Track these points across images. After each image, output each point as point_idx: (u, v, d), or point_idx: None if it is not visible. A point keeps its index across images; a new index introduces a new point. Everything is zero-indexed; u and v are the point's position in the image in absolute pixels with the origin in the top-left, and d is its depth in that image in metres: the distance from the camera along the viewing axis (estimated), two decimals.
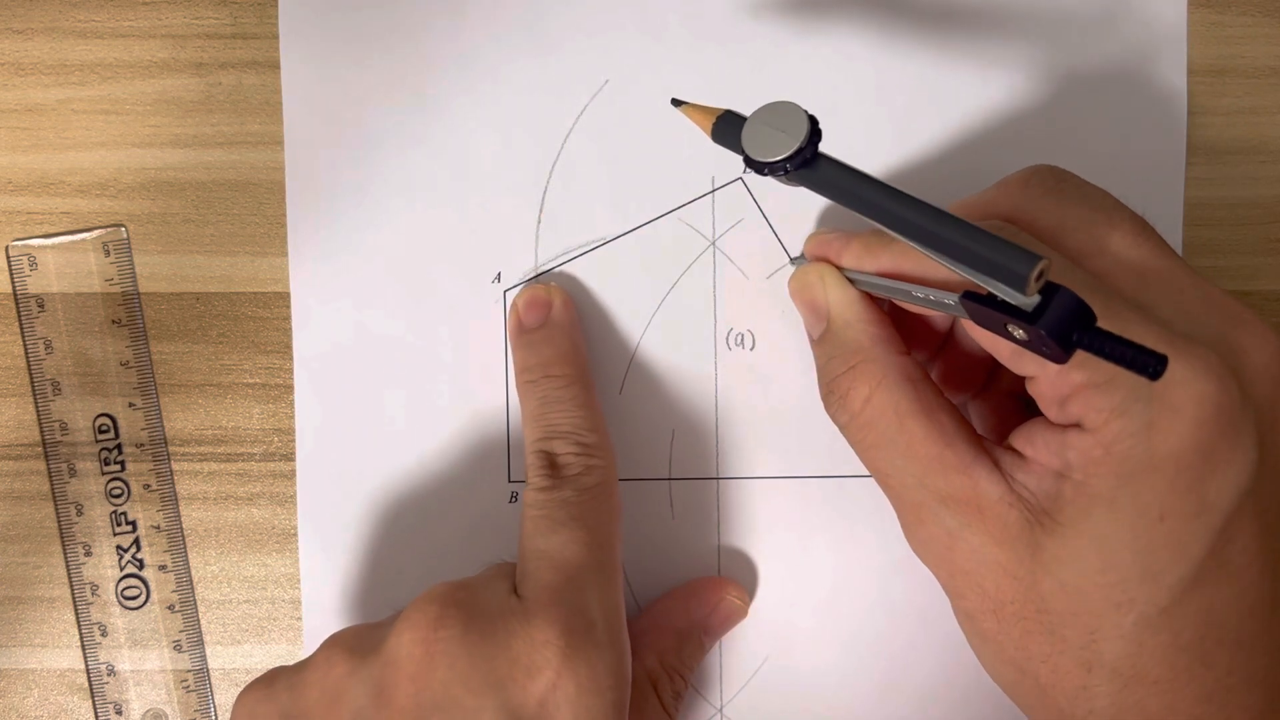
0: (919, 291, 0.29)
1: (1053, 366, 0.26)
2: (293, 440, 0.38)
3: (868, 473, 0.31)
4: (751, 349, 0.38)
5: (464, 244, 0.37)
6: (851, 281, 0.32)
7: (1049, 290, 0.23)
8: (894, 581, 0.38)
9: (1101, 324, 0.23)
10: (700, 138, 0.30)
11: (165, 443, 0.38)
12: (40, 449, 0.38)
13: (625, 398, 0.38)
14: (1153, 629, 0.26)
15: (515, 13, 0.37)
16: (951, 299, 0.27)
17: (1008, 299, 0.24)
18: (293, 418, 0.38)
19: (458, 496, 0.38)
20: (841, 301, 0.31)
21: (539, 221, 0.37)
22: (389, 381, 0.38)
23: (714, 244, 0.37)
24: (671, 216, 0.37)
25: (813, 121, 0.26)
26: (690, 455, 0.38)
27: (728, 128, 0.28)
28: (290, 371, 0.38)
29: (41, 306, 0.37)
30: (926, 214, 0.25)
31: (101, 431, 0.38)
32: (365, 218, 0.37)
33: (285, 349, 0.38)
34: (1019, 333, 0.24)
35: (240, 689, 0.32)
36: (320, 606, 0.38)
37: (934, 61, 0.37)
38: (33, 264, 0.37)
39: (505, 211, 0.37)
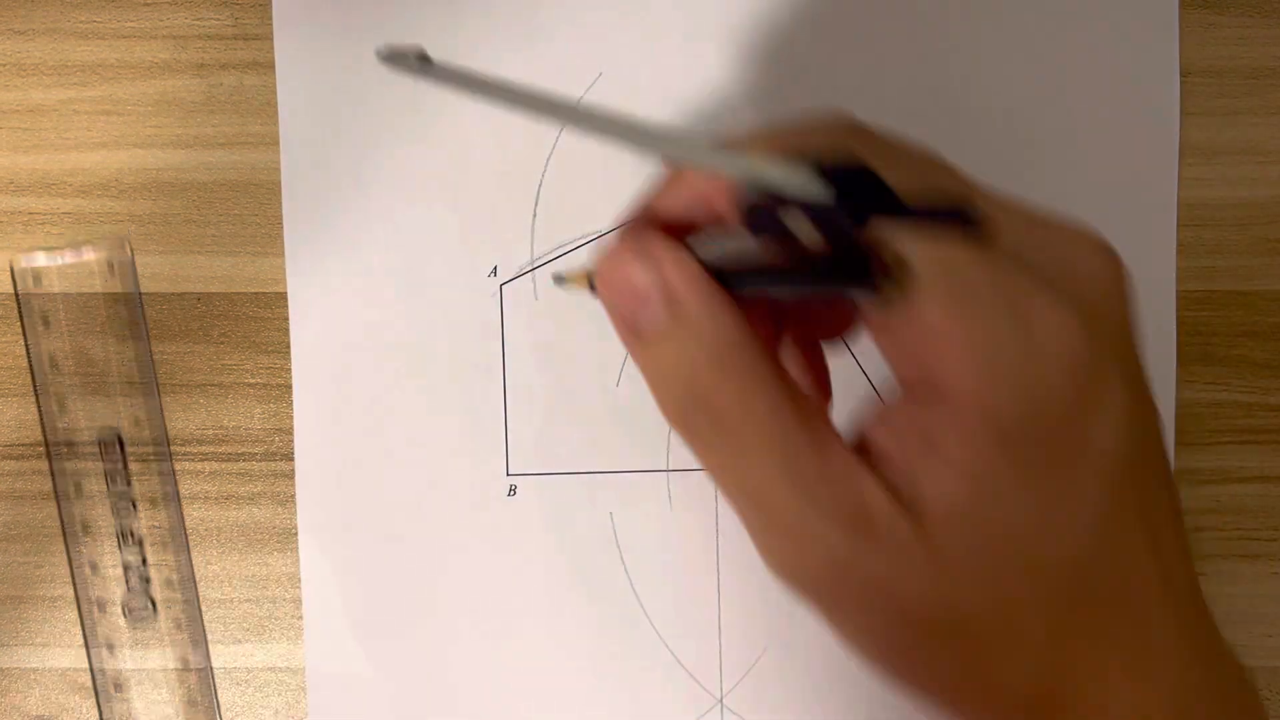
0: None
1: (902, 309, 0.23)
2: (293, 440, 0.38)
3: None
4: None
5: (460, 239, 0.38)
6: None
7: (839, 173, 0.20)
8: None
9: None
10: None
11: (167, 442, 0.38)
12: (43, 449, 0.38)
13: (622, 390, 0.38)
14: (1069, 592, 0.23)
15: (508, 7, 0.37)
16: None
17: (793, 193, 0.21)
18: (294, 417, 0.38)
19: (457, 492, 0.38)
20: (696, 278, 0.23)
21: (534, 215, 0.38)
22: (388, 379, 0.38)
23: None
24: None
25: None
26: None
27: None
28: (291, 371, 0.38)
29: (44, 307, 0.38)
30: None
31: (103, 431, 0.38)
32: (361, 215, 0.38)
33: (286, 349, 0.38)
34: (806, 229, 0.21)
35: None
36: (320, 606, 0.38)
37: (925, 60, 0.37)
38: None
39: (500, 206, 0.38)
